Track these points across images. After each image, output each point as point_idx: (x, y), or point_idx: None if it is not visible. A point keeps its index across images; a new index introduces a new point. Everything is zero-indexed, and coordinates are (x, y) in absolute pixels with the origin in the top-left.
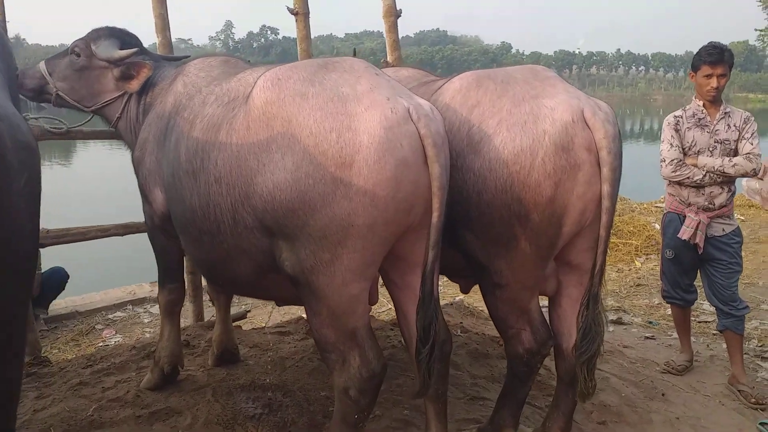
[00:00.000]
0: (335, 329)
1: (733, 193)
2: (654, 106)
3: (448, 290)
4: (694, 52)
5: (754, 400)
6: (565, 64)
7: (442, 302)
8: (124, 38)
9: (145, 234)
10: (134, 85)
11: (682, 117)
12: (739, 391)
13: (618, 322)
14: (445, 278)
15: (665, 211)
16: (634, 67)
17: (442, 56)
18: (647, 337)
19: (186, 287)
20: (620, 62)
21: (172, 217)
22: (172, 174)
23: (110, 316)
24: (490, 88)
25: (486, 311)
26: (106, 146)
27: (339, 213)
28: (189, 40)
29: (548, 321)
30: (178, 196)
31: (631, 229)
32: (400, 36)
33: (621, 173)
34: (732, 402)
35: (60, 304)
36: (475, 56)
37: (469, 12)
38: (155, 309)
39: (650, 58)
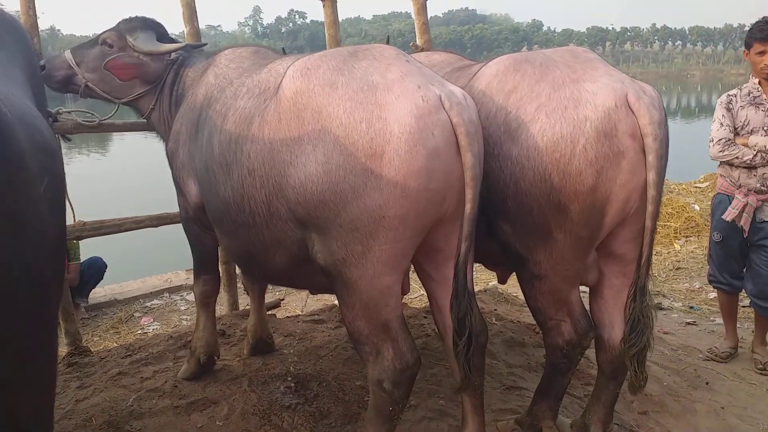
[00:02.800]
0: (368, 321)
1: None
2: (691, 82)
3: (482, 275)
4: (734, 25)
5: (762, 366)
6: (598, 40)
7: (475, 288)
8: (158, 29)
9: (179, 224)
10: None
11: (736, 96)
12: (753, 358)
13: (657, 307)
14: (480, 265)
15: (716, 192)
16: (670, 42)
17: (471, 36)
18: (688, 323)
19: (221, 277)
20: (656, 37)
21: (207, 209)
22: (205, 167)
23: (148, 304)
24: (528, 72)
25: (521, 297)
26: (141, 136)
27: (370, 205)
28: (218, 26)
29: (589, 312)
30: (212, 188)
31: (670, 210)
32: (429, 16)
33: (667, 160)
34: None
35: (100, 293)
36: (505, 35)
37: None
38: (191, 296)
39: (687, 32)
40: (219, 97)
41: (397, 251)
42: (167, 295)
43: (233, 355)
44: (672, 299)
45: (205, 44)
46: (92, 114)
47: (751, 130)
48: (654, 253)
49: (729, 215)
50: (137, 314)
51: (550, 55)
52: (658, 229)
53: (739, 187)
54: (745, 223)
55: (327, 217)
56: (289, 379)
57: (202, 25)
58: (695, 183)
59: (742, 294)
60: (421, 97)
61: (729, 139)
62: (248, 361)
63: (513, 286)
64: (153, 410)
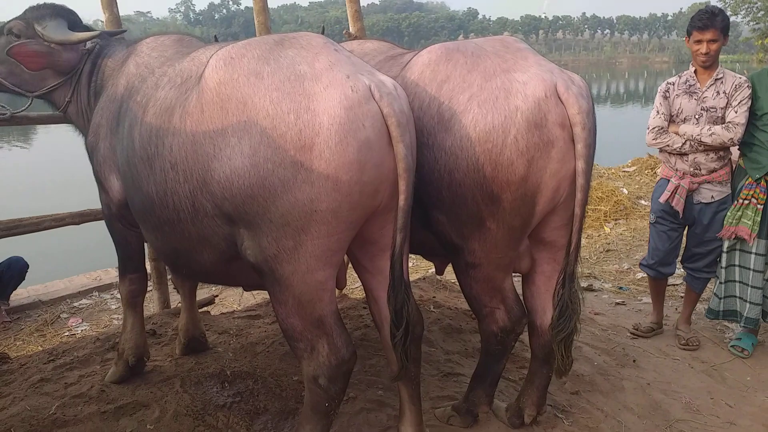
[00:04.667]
0: (302, 318)
1: (724, 159)
2: (619, 70)
3: (421, 264)
4: (658, 14)
5: (684, 342)
6: (531, 29)
7: (414, 276)
8: (70, 17)
9: (104, 222)
10: None
11: (674, 84)
12: (676, 335)
13: (589, 288)
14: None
15: (659, 178)
16: (599, 31)
17: (408, 24)
18: (618, 303)
19: (150, 275)
20: (586, 26)
21: (130, 206)
22: (126, 161)
23: (76, 304)
24: (460, 61)
25: (459, 284)
26: (66, 128)
27: (301, 198)
28: (148, 12)
29: (522, 298)
30: (134, 183)
31: (600, 194)
32: (365, 4)
33: (595, 149)
34: (701, 364)
35: (22, 294)
36: (441, 23)
37: None
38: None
39: (615, 21)
40: (140, 88)
41: (331, 245)
42: (96, 294)
43: (165, 355)
44: (602, 281)
45: (124, 31)
46: (3, 106)
47: (684, 119)
48: (585, 236)
49: (663, 197)
50: (64, 315)
51: (481, 44)
52: (588, 213)
53: (676, 171)
54: (677, 204)
55: (256, 212)
56: (224, 377)
57: (130, 11)
58: (624, 167)
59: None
60: (351, 87)
61: (662, 128)
62: (180, 361)
63: (450, 273)
64: (78, 417)
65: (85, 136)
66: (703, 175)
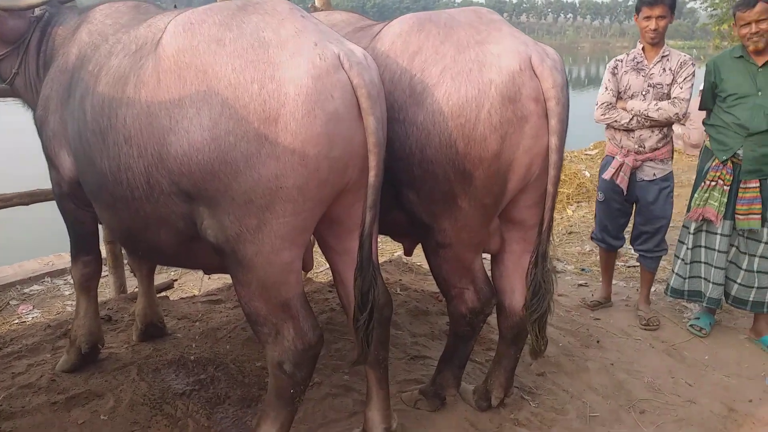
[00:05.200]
0: (266, 301)
1: (667, 137)
2: (581, 54)
3: (387, 246)
4: (619, 0)
5: (645, 322)
6: (496, 11)
7: (381, 259)
8: None
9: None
10: None
11: (622, 61)
12: (638, 315)
13: (554, 270)
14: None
15: (604, 155)
16: (562, 15)
17: (373, 4)
18: (580, 285)
19: (105, 258)
20: (549, 10)
21: (82, 183)
22: (78, 135)
23: (26, 291)
24: (432, 32)
25: (425, 266)
26: (12, 102)
27: (265, 174)
28: None
29: (491, 278)
30: (86, 159)
31: (562, 177)
32: None
33: (568, 125)
34: (661, 344)
35: None
36: (407, 4)
37: None
38: None
39: (577, 5)
40: (92, 56)
41: (297, 224)
42: (49, 279)
43: (121, 341)
44: (565, 262)
45: None
46: None
47: (632, 95)
48: None
49: (607, 174)
50: (14, 302)
51: (454, 15)
52: None
53: (621, 148)
54: (621, 182)
55: (216, 189)
56: (183, 364)
57: None
58: (586, 150)
59: (627, 254)
60: (319, 55)
61: (610, 103)
62: (137, 348)
63: (417, 256)
64: (26, 408)
65: (34, 109)
66: (646, 152)
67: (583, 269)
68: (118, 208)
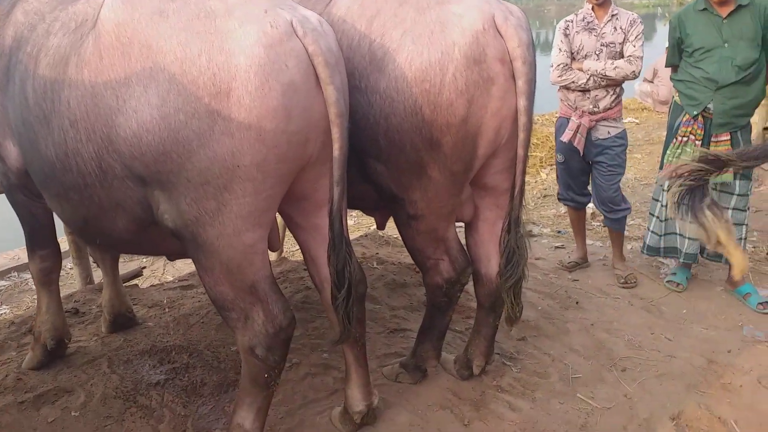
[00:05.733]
0: (232, 285)
1: (618, 96)
2: (548, 17)
3: (362, 221)
4: None
5: (623, 280)
6: None
7: (356, 234)
8: None
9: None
10: None
11: (572, 21)
12: (615, 274)
13: (528, 234)
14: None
15: (558, 116)
16: None
17: None
18: (557, 247)
19: (70, 249)
20: None
21: (30, 173)
22: (21, 121)
23: None
24: None
25: (401, 237)
26: None
27: (220, 152)
28: None
29: (465, 247)
30: (32, 147)
31: (535, 141)
32: None
33: (536, 85)
34: (640, 301)
35: None
36: None
37: None
38: None
39: None
40: (29, 37)
41: (258, 204)
42: (15, 274)
43: (90, 334)
44: (541, 226)
45: None
46: None
47: (585, 55)
48: None
49: (565, 136)
50: None
51: None
52: None
53: (576, 109)
54: (578, 143)
55: (170, 171)
56: (156, 353)
57: None
58: (556, 113)
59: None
60: (270, 23)
61: (566, 64)
62: (107, 340)
63: (393, 229)
64: None
65: None
66: (600, 113)
67: (559, 231)
68: (70, 197)
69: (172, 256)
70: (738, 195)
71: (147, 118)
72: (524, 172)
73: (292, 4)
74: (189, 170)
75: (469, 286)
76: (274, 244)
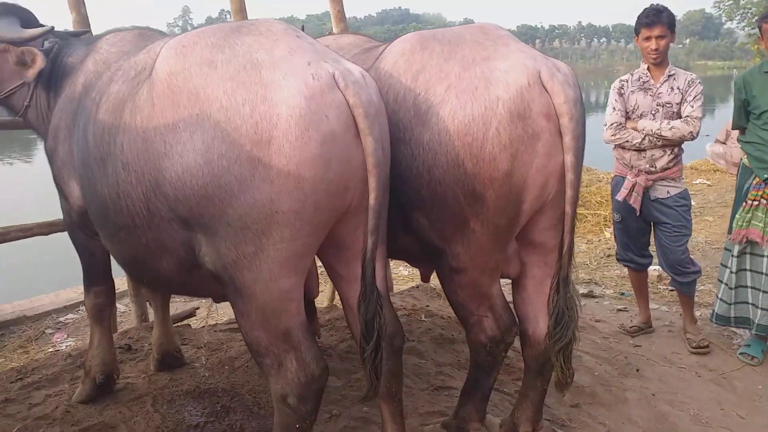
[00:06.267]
0: (267, 330)
1: (677, 156)
2: (617, 77)
3: (417, 271)
4: None
5: (695, 344)
6: (528, 38)
7: (409, 284)
8: (23, 15)
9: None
10: (30, 73)
11: (627, 81)
12: (686, 338)
13: (589, 295)
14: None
15: (613, 175)
16: (595, 39)
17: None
18: (619, 310)
19: (128, 287)
20: (582, 35)
21: (88, 212)
22: (82, 163)
23: (61, 319)
24: (436, 50)
25: (443, 292)
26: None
27: (260, 198)
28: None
29: (512, 305)
30: (90, 187)
31: (599, 199)
32: (362, 15)
33: (585, 141)
34: (709, 372)
35: (6, 309)
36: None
37: None
38: (118, 305)
39: (611, 29)
40: (95, 84)
41: (295, 250)
42: (83, 308)
43: (139, 371)
44: (603, 286)
45: (87, 31)
46: None
47: (641, 114)
48: (585, 241)
49: (620, 195)
50: (49, 331)
51: (459, 32)
52: (588, 218)
53: (631, 168)
54: (634, 202)
55: (212, 215)
56: (199, 395)
57: (128, 26)
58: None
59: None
60: (312, 75)
61: (620, 123)
62: (154, 378)
63: None
64: None
65: (45, 140)
66: (657, 172)
67: (622, 293)
68: (121, 236)
69: (216, 299)
70: None
71: (191, 162)
72: (572, 230)
73: (337, 57)
74: (229, 214)
75: (519, 346)
76: (313, 291)
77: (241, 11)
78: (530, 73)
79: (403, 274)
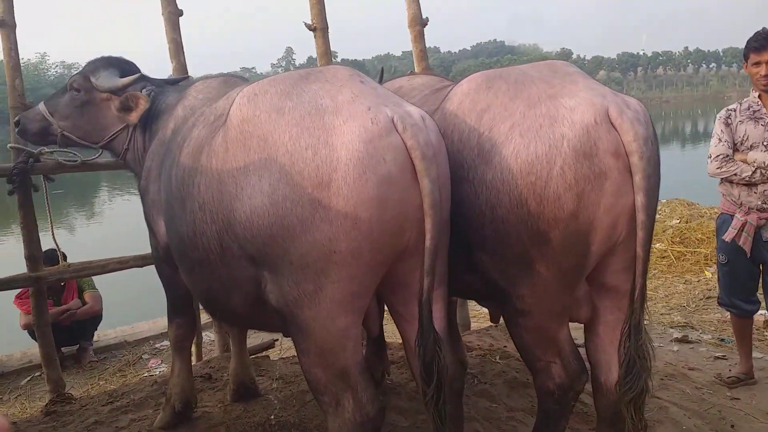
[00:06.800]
0: (325, 368)
1: None
2: (728, 104)
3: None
4: None
5: None
6: (629, 66)
7: (485, 325)
8: (123, 66)
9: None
10: (134, 117)
11: (735, 110)
12: None
13: (683, 340)
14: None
15: (719, 213)
16: (704, 65)
17: (500, 67)
18: (717, 357)
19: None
20: (689, 61)
21: (171, 247)
22: (167, 202)
23: (157, 345)
24: (501, 89)
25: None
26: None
27: (319, 238)
28: (253, 68)
29: (585, 351)
30: (172, 224)
31: (700, 236)
32: (457, 50)
33: (659, 182)
34: None
35: (110, 334)
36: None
37: (530, 16)
38: (206, 335)
39: (721, 53)
40: (181, 129)
41: (352, 289)
42: None
43: (216, 401)
44: (701, 331)
45: (184, 78)
46: (74, 153)
47: (751, 146)
48: (684, 281)
49: (728, 235)
50: (146, 356)
51: (526, 70)
52: (687, 256)
53: (741, 205)
54: (744, 242)
55: (276, 254)
56: (269, 427)
57: (236, 68)
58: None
59: None
60: (371, 119)
61: (727, 155)
62: (229, 408)
63: None
64: None
65: (139, 180)
66: None
67: (722, 339)
68: (196, 271)
69: (285, 334)
70: None
71: (259, 203)
72: (645, 274)
73: (399, 101)
74: (292, 253)
75: None
76: (373, 330)
77: (326, 54)
78: (597, 110)
79: (485, 312)
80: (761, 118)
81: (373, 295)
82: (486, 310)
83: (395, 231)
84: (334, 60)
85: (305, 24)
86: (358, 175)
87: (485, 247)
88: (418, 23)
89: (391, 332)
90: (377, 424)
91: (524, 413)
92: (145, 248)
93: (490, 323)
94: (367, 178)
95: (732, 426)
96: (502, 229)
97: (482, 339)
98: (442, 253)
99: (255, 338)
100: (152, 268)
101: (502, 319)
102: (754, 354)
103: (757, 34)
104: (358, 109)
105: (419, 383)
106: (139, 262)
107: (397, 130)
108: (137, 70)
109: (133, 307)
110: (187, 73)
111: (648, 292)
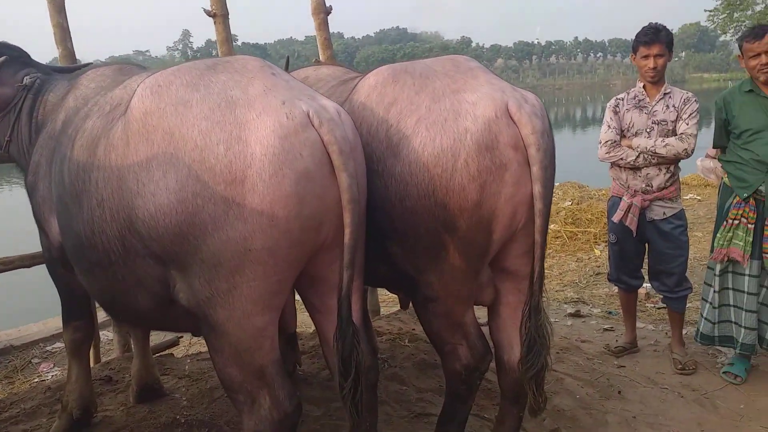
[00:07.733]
0: (240, 367)
1: (674, 175)
2: (614, 91)
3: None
4: None
5: (681, 366)
6: (524, 54)
7: (395, 308)
8: (11, 53)
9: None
10: None
11: (623, 99)
12: (673, 359)
13: (576, 315)
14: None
15: (610, 195)
16: (592, 54)
17: (403, 54)
18: (606, 329)
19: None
20: (578, 50)
21: (65, 248)
22: (59, 199)
23: (49, 348)
24: (407, 83)
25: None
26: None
27: (233, 236)
28: (146, 51)
29: (487, 332)
30: (66, 223)
31: (590, 216)
32: (360, 35)
33: (554, 171)
34: (692, 393)
35: None
36: (436, 52)
37: (433, 3)
38: (104, 334)
39: (607, 44)
40: (73, 120)
41: (269, 288)
42: None
43: (118, 404)
44: (591, 305)
45: (81, 66)
46: None
47: (636, 132)
48: (575, 259)
49: (617, 217)
50: (36, 360)
51: (430, 64)
52: (578, 236)
53: (628, 188)
54: (630, 223)
55: (186, 252)
56: (176, 427)
57: (129, 51)
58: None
59: (658, 296)
60: (286, 114)
61: (615, 141)
62: (133, 410)
63: None
64: None
65: (26, 176)
66: (654, 192)
67: (609, 312)
68: (96, 272)
69: (196, 334)
70: None
71: (164, 201)
72: (542, 258)
73: (313, 94)
74: (203, 252)
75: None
76: (290, 326)
77: (227, 41)
78: (498, 105)
79: (392, 296)
80: (645, 106)
81: (290, 291)
82: (395, 296)
83: (313, 227)
84: (234, 44)
85: (204, 10)
86: (274, 171)
87: (395, 237)
88: (322, 11)
89: (301, 322)
90: (294, 420)
91: (433, 393)
92: (33, 247)
93: (399, 308)
94: (283, 174)
95: (619, 392)
96: (411, 220)
97: (391, 323)
98: (361, 247)
99: (157, 335)
100: (42, 267)
101: (411, 304)
102: (638, 324)
103: (645, 28)
104: (272, 103)
105: (336, 377)
106: (27, 262)
107: (313, 125)
108: (25, 55)
109: (19, 309)
110: (75, 59)
111: (544, 272)
